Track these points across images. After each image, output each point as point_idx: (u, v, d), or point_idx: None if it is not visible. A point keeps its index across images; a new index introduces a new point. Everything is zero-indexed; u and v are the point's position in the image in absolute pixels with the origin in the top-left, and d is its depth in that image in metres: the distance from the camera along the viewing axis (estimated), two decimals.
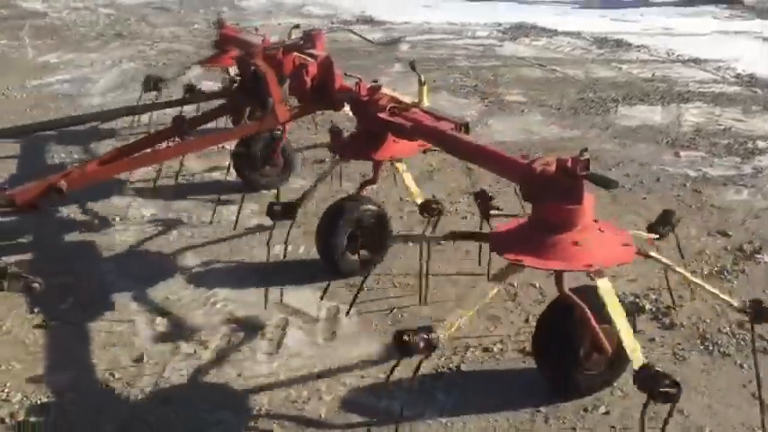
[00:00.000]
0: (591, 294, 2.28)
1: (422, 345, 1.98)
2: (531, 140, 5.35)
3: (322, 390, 2.64)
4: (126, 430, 2.46)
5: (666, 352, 2.82)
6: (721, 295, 2.47)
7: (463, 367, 2.76)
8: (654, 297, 3.17)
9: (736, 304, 2.43)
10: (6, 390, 2.64)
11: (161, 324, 3.08)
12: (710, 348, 2.83)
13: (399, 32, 9.89)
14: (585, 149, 2.18)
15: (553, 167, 2.26)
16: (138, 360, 2.82)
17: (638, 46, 8.75)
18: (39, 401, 2.59)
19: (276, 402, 2.58)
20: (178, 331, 3.02)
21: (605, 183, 2.17)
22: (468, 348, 2.86)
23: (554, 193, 2.27)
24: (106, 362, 2.81)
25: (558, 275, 2.39)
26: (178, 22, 10.78)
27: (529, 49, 8.70)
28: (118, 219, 4.09)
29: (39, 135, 5.44)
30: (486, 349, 2.86)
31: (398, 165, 3.26)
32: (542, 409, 2.50)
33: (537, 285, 3.27)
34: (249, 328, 3.04)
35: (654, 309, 3.09)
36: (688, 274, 2.55)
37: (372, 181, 3.43)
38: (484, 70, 7.55)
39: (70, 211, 4.20)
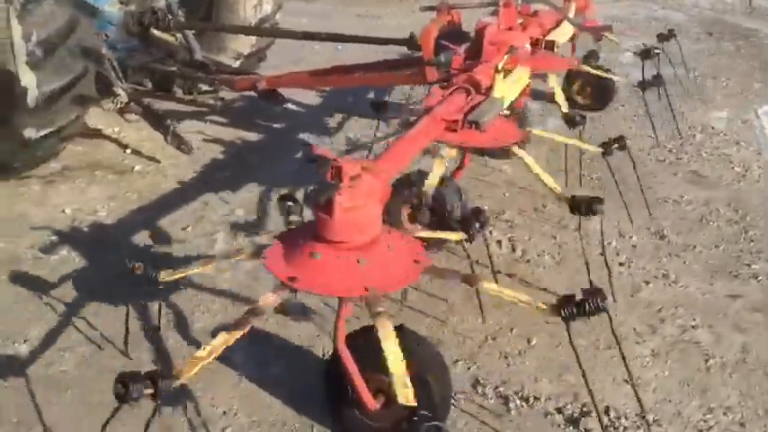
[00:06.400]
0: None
1: (145, 393, 1.64)
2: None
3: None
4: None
5: None
6: (530, 302, 1.97)
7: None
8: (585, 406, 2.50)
9: (545, 307, 1.93)
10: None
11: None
12: None
13: None
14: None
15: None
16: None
17: None
18: (48, 243, 3.40)
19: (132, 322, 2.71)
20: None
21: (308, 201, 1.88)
22: None
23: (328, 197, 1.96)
24: (122, 247, 3.36)
25: (339, 302, 2.04)
26: None
27: None
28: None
29: None
30: None
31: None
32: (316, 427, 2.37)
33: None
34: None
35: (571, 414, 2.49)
36: (490, 285, 2.06)
37: (460, 166, 3.24)
38: None
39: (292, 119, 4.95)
